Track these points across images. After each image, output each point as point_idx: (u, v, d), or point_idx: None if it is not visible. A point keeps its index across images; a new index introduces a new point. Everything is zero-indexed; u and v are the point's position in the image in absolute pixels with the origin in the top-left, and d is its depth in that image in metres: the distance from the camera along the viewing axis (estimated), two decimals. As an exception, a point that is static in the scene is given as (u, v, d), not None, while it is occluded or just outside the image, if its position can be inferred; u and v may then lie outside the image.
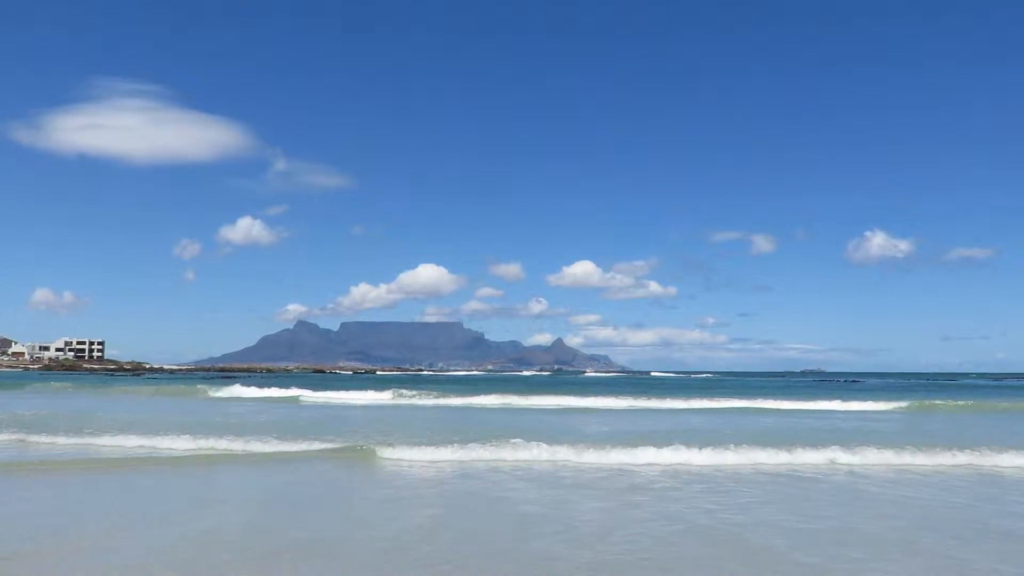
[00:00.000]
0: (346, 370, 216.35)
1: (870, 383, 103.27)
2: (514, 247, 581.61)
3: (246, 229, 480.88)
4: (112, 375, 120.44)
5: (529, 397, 43.57)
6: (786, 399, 43.02)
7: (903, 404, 39.42)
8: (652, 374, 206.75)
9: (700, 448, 16.77)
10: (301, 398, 44.92)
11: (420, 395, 44.83)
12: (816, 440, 18.76)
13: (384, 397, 44.17)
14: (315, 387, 55.34)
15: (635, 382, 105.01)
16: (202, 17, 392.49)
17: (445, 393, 46.74)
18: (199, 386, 56.47)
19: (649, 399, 42.36)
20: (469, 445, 17.07)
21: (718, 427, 25.55)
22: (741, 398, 43.07)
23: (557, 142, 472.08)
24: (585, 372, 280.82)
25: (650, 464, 15.98)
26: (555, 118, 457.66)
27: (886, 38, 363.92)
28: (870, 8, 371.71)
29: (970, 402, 41.83)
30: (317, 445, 17.99)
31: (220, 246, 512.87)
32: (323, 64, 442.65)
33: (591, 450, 16.90)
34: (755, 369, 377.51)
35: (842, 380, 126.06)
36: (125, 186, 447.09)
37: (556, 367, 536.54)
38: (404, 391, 47.04)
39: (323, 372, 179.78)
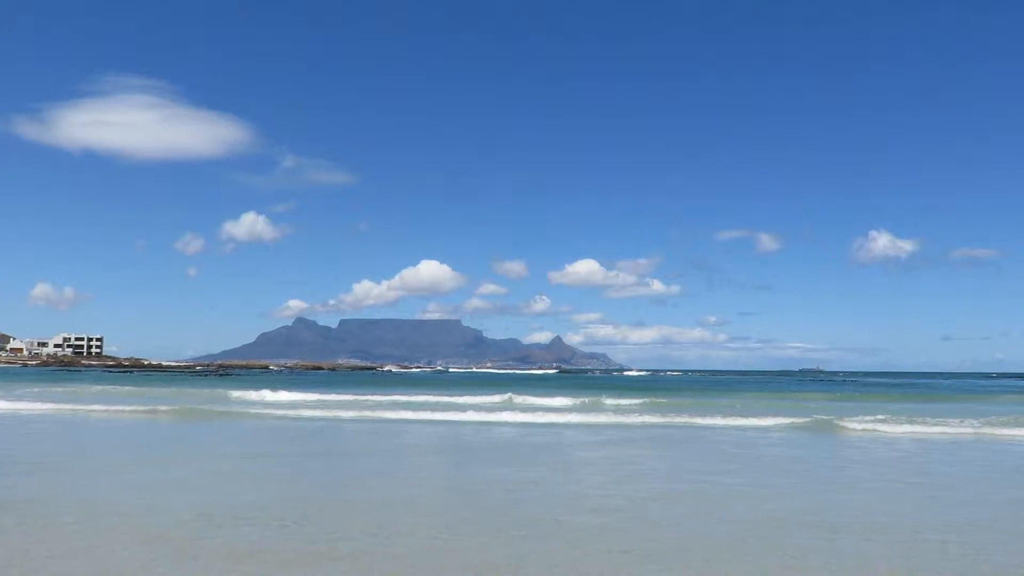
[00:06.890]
0: (345, 367, 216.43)
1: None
2: (518, 245, 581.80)
3: (250, 225, 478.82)
4: (108, 371, 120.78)
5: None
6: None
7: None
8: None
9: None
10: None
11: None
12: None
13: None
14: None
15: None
16: (209, 13, 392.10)
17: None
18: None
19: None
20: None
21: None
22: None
23: (562, 140, 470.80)
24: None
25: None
26: (559, 116, 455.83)
27: (890, 37, 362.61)
28: (873, 7, 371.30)
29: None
30: None
31: (223, 242, 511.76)
32: (329, 61, 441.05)
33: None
34: (752, 368, 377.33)
35: (825, 378, 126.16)
36: (129, 182, 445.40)
37: (555, 365, 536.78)
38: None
39: (321, 368, 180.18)
